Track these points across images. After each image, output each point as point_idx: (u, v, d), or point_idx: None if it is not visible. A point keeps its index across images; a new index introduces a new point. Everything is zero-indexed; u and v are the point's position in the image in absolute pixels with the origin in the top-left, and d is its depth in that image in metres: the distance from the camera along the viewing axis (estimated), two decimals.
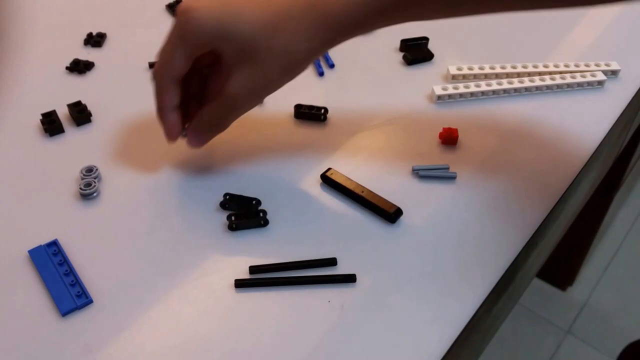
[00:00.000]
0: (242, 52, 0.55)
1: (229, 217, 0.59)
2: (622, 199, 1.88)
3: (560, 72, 0.75)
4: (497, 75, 0.75)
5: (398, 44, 0.80)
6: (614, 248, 1.86)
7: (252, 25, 0.54)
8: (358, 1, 0.53)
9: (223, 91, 0.57)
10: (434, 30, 0.81)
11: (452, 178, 0.64)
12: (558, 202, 0.64)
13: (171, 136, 0.61)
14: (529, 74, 0.75)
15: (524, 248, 0.60)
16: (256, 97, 0.60)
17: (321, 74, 0.76)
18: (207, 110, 0.59)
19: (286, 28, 0.54)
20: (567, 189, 0.65)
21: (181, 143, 0.64)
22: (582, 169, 0.67)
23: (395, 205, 0.60)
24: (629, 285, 1.77)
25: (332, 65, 0.77)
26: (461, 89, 0.72)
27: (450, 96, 0.72)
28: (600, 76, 0.74)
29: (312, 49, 0.56)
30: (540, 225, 0.62)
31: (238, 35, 0.54)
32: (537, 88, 0.73)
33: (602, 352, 1.64)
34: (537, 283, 1.76)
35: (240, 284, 0.55)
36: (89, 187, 0.62)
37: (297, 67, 0.58)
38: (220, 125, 0.61)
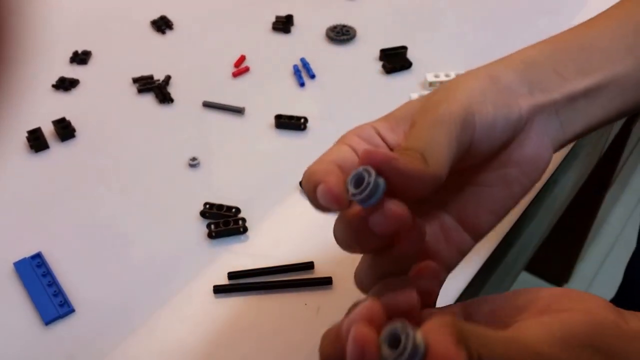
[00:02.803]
0: None
1: (208, 226, 0.60)
2: (617, 195, 1.89)
3: None
4: None
5: (377, 54, 0.81)
6: (609, 244, 1.87)
7: None
8: None
9: None
10: (413, 39, 0.82)
11: None
12: (533, 201, 0.65)
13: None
14: None
15: (499, 245, 0.61)
16: None
17: (302, 84, 0.77)
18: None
19: None
20: (542, 188, 0.66)
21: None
22: (557, 168, 0.68)
23: None
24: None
25: (312, 76, 0.79)
26: None
27: None
28: None
29: None
30: (514, 224, 0.63)
31: None
32: None
33: None
34: (533, 280, 1.76)
35: (218, 289, 0.56)
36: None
37: None
38: None
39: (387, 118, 0.42)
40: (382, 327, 0.31)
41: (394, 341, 0.30)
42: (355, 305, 0.39)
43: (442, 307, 0.41)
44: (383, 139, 0.41)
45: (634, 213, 1.96)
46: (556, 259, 1.66)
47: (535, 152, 0.42)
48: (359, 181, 0.34)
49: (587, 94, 0.43)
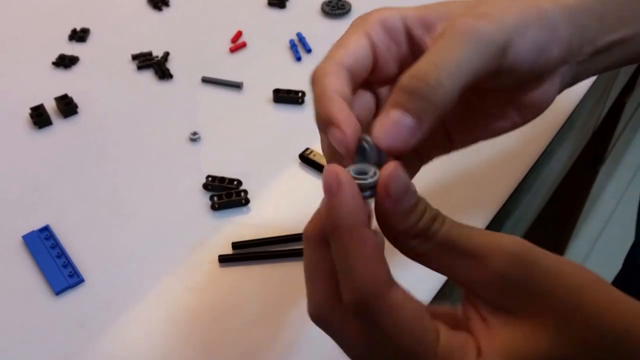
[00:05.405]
0: None
1: (211, 198, 0.62)
2: (610, 172, 1.90)
3: None
4: None
5: None
6: (603, 222, 1.87)
7: None
8: None
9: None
10: None
11: None
12: (530, 171, 0.67)
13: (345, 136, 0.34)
14: None
15: (496, 216, 0.63)
16: None
17: (298, 59, 0.79)
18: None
19: None
20: (539, 158, 0.67)
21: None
22: (554, 138, 0.69)
23: None
24: (618, 258, 1.80)
25: (309, 50, 0.80)
26: None
27: None
28: None
29: None
30: (512, 194, 0.64)
31: None
32: None
33: None
34: None
35: (223, 259, 0.58)
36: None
37: None
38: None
39: (420, 10, 0.38)
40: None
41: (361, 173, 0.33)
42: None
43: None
44: (409, 32, 0.38)
45: (628, 190, 1.96)
46: (550, 236, 1.67)
47: (542, 98, 0.40)
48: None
49: (611, 48, 0.41)
